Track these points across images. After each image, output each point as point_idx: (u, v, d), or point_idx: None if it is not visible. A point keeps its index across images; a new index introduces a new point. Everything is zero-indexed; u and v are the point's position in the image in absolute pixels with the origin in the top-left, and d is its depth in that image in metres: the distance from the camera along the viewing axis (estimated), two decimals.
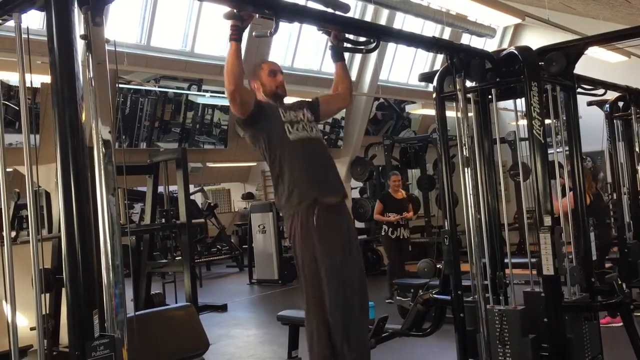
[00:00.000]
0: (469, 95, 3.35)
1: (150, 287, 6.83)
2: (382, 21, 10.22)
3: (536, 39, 11.01)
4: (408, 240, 8.04)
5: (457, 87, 3.21)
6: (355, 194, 11.25)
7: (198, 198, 14.33)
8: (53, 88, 1.84)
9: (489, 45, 11.73)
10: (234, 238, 13.96)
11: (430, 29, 10.82)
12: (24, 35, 2.03)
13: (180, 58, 8.73)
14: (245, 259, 11.17)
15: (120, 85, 8.03)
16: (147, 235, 6.82)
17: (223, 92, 3.07)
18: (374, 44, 2.96)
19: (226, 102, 10.14)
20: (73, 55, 1.84)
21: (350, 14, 3.27)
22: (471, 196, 3.25)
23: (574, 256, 3.42)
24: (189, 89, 9.16)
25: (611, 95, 5.09)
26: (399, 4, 7.07)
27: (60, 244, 1.93)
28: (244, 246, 12.44)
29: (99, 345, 1.78)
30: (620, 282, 3.48)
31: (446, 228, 3.47)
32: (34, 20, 5.13)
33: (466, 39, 11.05)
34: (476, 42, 10.88)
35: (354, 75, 10.76)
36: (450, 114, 3.42)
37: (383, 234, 7.72)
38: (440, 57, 11.09)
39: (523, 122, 3.24)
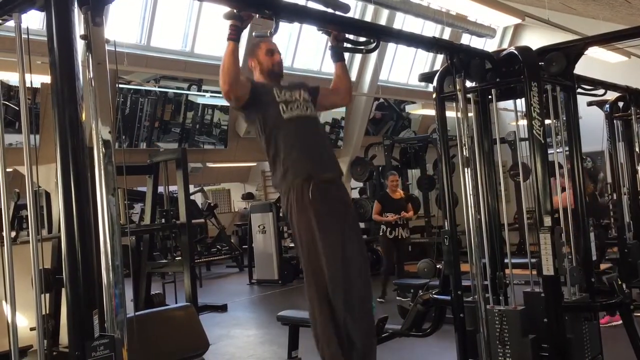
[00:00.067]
0: (469, 96, 3.35)
1: (150, 287, 6.83)
2: (382, 21, 10.22)
3: (536, 39, 11.01)
4: (407, 240, 8.04)
5: (457, 87, 3.21)
6: (355, 194, 11.25)
7: (198, 198, 14.33)
8: (53, 88, 1.84)
9: (489, 45, 11.74)
10: (234, 238, 13.96)
11: (430, 29, 10.82)
12: (24, 36, 2.03)
13: (180, 58, 8.73)
14: (245, 259, 11.18)
15: (120, 86, 8.03)
16: (147, 236, 6.82)
17: (226, 96, 3.07)
18: (374, 44, 2.96)
19: (226, 102, 10.15)
20: (73, 56, 1.84)
21: (350, 14, 3.27)
22: (471, 196, 3.25)
23: (573, 256, 3.42)
24: (188, 89, 9.16)
25: (611, 95, 5.09)
26: (399, 4, 7.07)
27: (60, 244, 1.93)
28: (244, 246, 12.44)
29: (98, 346, 1.78)
30: (620, 282, 3.48)
31: (446, 228, 3.46)
32: (34, 20, 5.12)
33: (466, 39, 11.05)
34: (476, 43, 10.88)
35: (354, 76, 10.76)
36: (450, 114, 3.42)
37: (381, 234, 7.73)
38: (440, 58, 11.08)
39: (523, 122, 3.24)
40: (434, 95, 3.52)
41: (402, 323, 3.83)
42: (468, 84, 3.32)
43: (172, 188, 7.39)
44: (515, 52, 3.25)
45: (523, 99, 3.19)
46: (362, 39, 3.07)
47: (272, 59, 3.20)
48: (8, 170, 2.18)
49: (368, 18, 10.07)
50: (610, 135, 5.35)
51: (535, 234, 3.15)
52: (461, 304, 3.34)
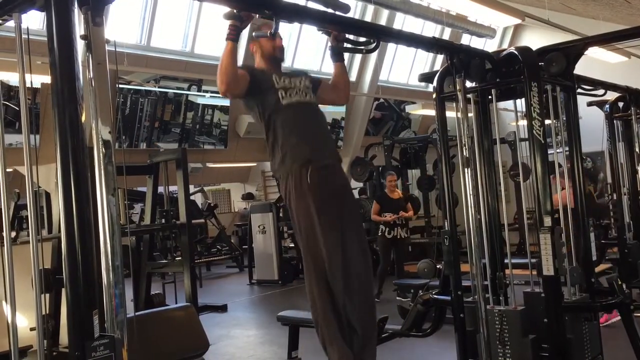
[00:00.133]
0: (469, 96, 3.35)
1: (150, 288, 6.83)
2: (382, 21, 10.23)
3: (536, 39, 11.01)
4: (406, 240, 8.04)
5: (457, 88, 3.21)
6: (355, 194, 11.24)
7: (198, 198, 14.33)
8: (53, 88, 1.84)
9: (489, 45, 11.74)
10: (234, 238, 13.96)
11: (430, 30, 10.83)
12: (24, 36, 2.03)
13: (180, 58, 8.74)
14: (245, 259, 11.17)
15: (121, 86, 8.03)
16: (147, 236, 6.82)
17: (224, 95, 3.06)
18: (374, 44, 2.96)
19: (226, 103, 10.21)
20: (73, 56, 1.84)
21: (350, 14, 3.27)
22: (471, 196, 3.25)
23: (574, 256, 3.42)
24: (189, 89, 9.17)
25: (611, 95, 5.09)
26: (399, 4, 7.08)
27: (60, 245, 1.92)
28: (244, 246, 12.44)
29: (98, 346, 1.78)
30: (620, 283, 3.48)
31: (446, 228, 3.46)
32: (34, 20, 5.13)
33: (466, 40, 11.06)
34: (476, 43, 10.89)
35: (354, 76, 10.77)
36: (450, 114, 3.42)
37: (380, 234, 7.74)
38: (440, 58, 11.09)
39: (523, 123, 3.24)
40: (434, 96, 3.52)
41: (402, 323, 3.83)
42: (468, 84, 3.32)
43: (172, 188, 7.39)
44: (515, 52, 3.26)
45: (523, 99, 3.19)
46: (362, 39, 3.07)
47: (274, 43, 3.17)
48: (8, 170, 2.18)
49: (368, 18, 10.07)
50: (610, 135, 5.35)
51: (535, 234, 3.15)
52: (461, 304, 3.34)
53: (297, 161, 2.96)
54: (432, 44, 3.20)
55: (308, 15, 2.75)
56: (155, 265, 7.06)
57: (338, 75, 3.30)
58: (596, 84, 4.40)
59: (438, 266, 4.29)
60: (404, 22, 10.50)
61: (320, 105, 3.30)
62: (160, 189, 7.11)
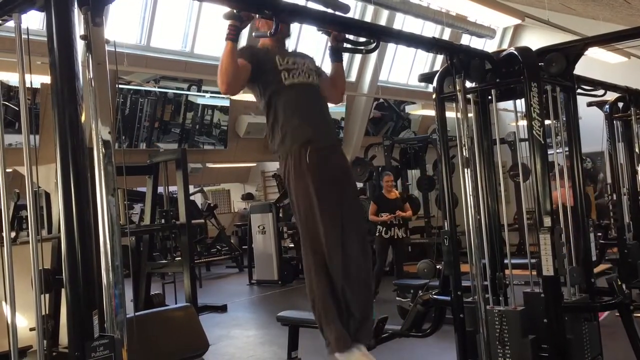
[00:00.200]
0: (469, 96, 3.35)
1: (150, 288, 6.83)
2: (382, 22, 10.23)
3: (536, 39, 11.02)
4: (404, 241, 8.04)
5: (457, 88, 3.21)
6: None
7: (198, 199, 14.32)
8: (53, 88, 1.84)
9: (489, 45, 11.74)
10: (233, 239, 13.96)
11: (430, 30, 10.83)
12: (24, 36, 2.03)
13: (180, 59, 8.74)
14: (245, 259, 11.17)
15: (120, 86, 8.04)
16: (147, 236, 6.82)
17: (225, 94, 3.04)
18: (374, 45, 2.96)
19: (226, 103, 10.20)
20: (73, 56, 1.84)
21: (350, 15, 3.26)
22: (471, 197, 3.25)
23: (573, 257, 3.42)
24: (188, 89, 9.17)
25: (611, 96, 5.09)
26: (398, 4, 7.08)
27: (60, 245, 1.93)
28: (243, 247, 12.44)
29: (98, 346, 1.78)
30: (620, 283, 3.48)
31: (446, 229, 3.46)
32: (34, 20, 5.13)
33: (466, 40, 11.06)
34: (476, 43, 10.89)
35: (354, 76, 10.77)
36: (450, 114, 3.42)
37: (377, 234, 7.74)
38: (440, 58, 11.09)
39: (523, 123, 3.25)
40: (434, 96, 3.52)
41: (402, 323, 3.83)
42: (468, 84, 3.32)
43: (171, 188, 7.39)
44: (515, 52, 3.26)
45: (523, 100, 3.20)
46: (362, 39, 3.07)
47: None
48: (8, 170, 2.18)
49: (368, 18, 10.07)
50: (610, 135, 5.35)
51: (535, 235, 3.15)
52: (461, 305, 3.34)
53: (297, 141, 2.92)
54: (432, 44, 3.20)
55: (308, 16, 2.75)
56: (155, 266, 7.06)
57: (336, 74, 3.29)
58: (596, 84, 4.41)
59: (438, 266, 4.29)
60: (404, 23, 10.50)
61: None
62: (160, 189, 7.12)
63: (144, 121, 8.73)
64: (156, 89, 8.73)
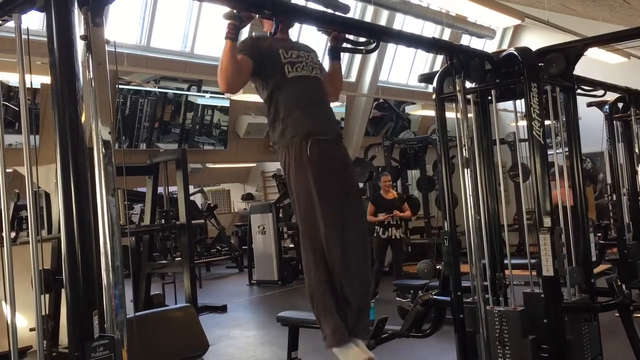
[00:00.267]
0: (469, 96, 3.35)
1: (150, 288, 6.83)
2: (382, 22, 10.23)
3: (536, 40, 11.02)
4: (401, 241, 8.03)
5: (457, 88, 3.21)
6: None
7: (198, 199, 14.32)
8: (53, 89, 1.84)
9: (489, 46, 11.75)
10: (233, 239, 13.96)
11: (430, 30, 10.83)
12: (24, 36, 2.03)
13: (180, 59, 8.74)
14: (245, 259, 11.17)
15: (120, 86, 8.04)
16: (147, 236, 6.82)
17: (223, 93, 3.04)
18: (374, 45, 2.95)
19: (226, 103, 10.20)
20: (73, 56, 1.84)
21: (350, 15, 3.26)
22: (471, 197, 3.25)
23: (573, 257, 3.42)
24: (188, 89, 9.17)
25: (611, 96, 5.10)
26: (398, 4, 7.08)
27: (60, 245, 1.93)
28: (243, 247, 12.44)
29: (98, 346, 1.78)
30: (619, 283, 3.48)
31: (446, 229, 3.46)
32: (34, 21, 5.13)
33: (466, 40, 11.06)
34: (476, 43, 10.89)
35: (353, 76, 10.78)
36: (450, 115, 3.42)
37: (375, 235, 7.74)
38: (440, 58, 11.10)
39: (523, 123, 3.25)
40: (434, 96, 3.52)
41: (401, 324, 3.83)
42: (468, 84, 3.32)
43: (171, 189, 7.39)
44: (515, 53, 3.26)
45: (523, 100, 3.20)
46: (362, 40, 3.07)
47: None
48: (8, 170, 2.18)
49: (368, 19, 10.07)
50: (609, 136, 5.36)
51: (534, 235, 3.15)
52: (461, 305, 3.34)
53: (298, 134, 2.91)
54: (431, 45, 3.20)
55: (308, 16, 2.75)
56: (155, 266, 7.06)
57: (334, 74, 3.28)
58: (596, 84, 4.41)
59: (438, 267, 4.29)
60: (404, 23, 10.51)
61: None
62: (160, 190, 7.12)
63: (144, 121, 8.74)
64: (156, 89, 8.73)
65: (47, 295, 4.36)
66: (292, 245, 10.31)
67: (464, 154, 3.26)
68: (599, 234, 6.91)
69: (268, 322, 6.80)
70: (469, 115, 3.35)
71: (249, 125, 9.90)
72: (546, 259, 3.06)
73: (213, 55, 8.78)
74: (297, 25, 8.63)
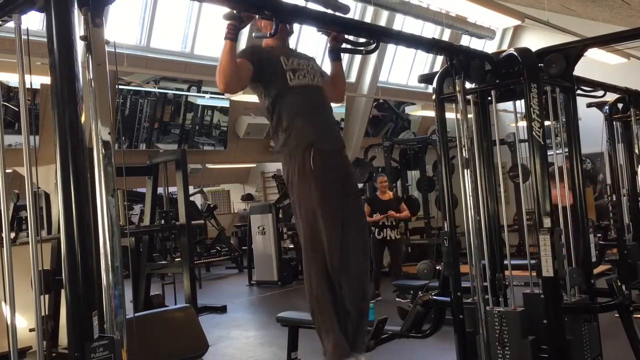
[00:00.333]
0: (469, 97, 3.35)
1: (150, 289, 6.82)
2: (382, 22, 10.23)
3: (535, 40, 11.02)
4: (398, 241, 8.03)
5: (457, 89, 3.21)
6: None
7: (197, 199, 14.32)
8: (53, 89, 1.84)
9: (489, 46, 11.75)
10: (233, 239, 13.95)
11: (429, 31, 10.83)
12: (24, 37, 2.03)
13: (180, 59, 8.74)
14: (245, 260, 11.17)
15: (120, 87, 8.04)
16: (147, 237, 6.82)
17: (223, 94, 3.04)
18: (374, 45, 2.95)
19: (226, 104, 10.18)
20: (73, 57, 1.84)
21: (349, 15, 3.26)
22: (471, 198, 3.25)
23: (573, 258, 3.42)
24: (188, 90, 9.17)
25: (611, 97, 5.10)
26: (398, 5, 7.09)
27: (59, 245, 1.93)
28: (243, 247, 12.43)
29: (98, 347, 1.78)
30: (619, 284, 3.48)
31: (446, 229, 3.46)
32: (34, 21, 5.13)
33: (466, 41, 11.06)
34: (476, 44, 10.90)
35: (353, 76, 10.77)
36: (449, 115, 3.42)
37: (371, 236, 7.74)
38: (439, 59, 11.10)
39: (523, 124, 3.25)
40: (434, 97, 3.52)
41: (401, 324, 3.83)
42: (468, 85, 3.32)
43: (171, 189, 7.39)
44: (515, 53, 3.26)
45: (523, 101, 3.20)
46: (361, 40, 3.07)
47: None
48: (7, 171, 2.18)
49: (368, 19, 10.07)
50: (609, 136, 5.36)
51: (534, 236, 3.15)
52: (461, 305, 3.34)
53: (300, 144, 2.91)
54: (431, 45, 3.21)
55: (308, 16, 2.75)
56: (154, 266, 7.06)
57: (336, 74, 3.28)
58: (596, 85, 4.41)
59: (437, 267, 4.29)
60: (404, 23, 10.51)
61: None
62: (160, 190, 7.12)
63: (143, 122, 8.74)
64: (156, 90, 8.73)
65: (46, 296, 4.36)
66: (292, 246, 10.30)
67: (464, 155, 3.26)
68: (599, 235, 6.91)
69: (268, 323, 6.80)
70: (469, 115, 3.35)
71: (248, 125, 9.90)
72: (546, 259, 3.06)
73: (213, 56, 8.78)
74: (297, 26, 8.65)
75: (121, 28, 8.21)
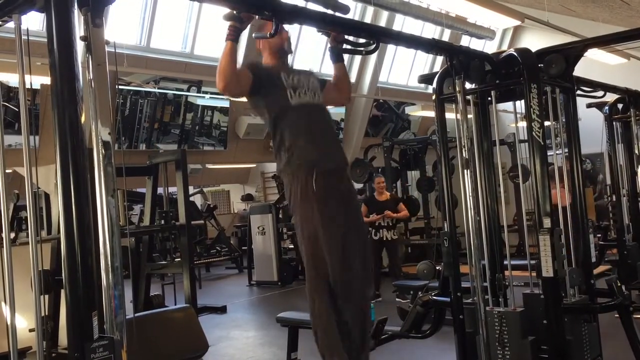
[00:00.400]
0: (469, 97, 3.35)
1: (150, 289, 6.82)
2: (382, 23, 10.22)
3: (535, 41, 11.02)
4: (395, 242, 8.02)
5: (457, 89, 3.21)
6: None
7: (197, 199, 14.32)
8: (53, 89, 1.84)
9: (489, 47, 11.74)
10: (233, 239, 13.95)
11: (429, 31, 10.83)
12: (24, 37, 2.03)
13: (180, 59, 8.74)
14: (245, 260, 11.17)
15: (120, 87, 8.04)
16: (147, 237, 6.82)
17: (222, 94, 3.04)
18: (374, 46, 2.95)
19: (226, 104, 10.19)
20: (73, 57, 1.84)
21: (349, 16, 3.27)
22: (471, 198, 3.25)
23: (573, 258, 3.42)
24: (188, 90, 9.17)
25: (610, 97, 5.10)
26: (398, 5, 7.09)
27: (59, 246, 1.93)
28: (243, 248, 12.43)
29: (98, 347, 1.78)
30: (619, 284, 3.48)
31: (446, 230, 3.46)
32: (34, 21, 5.13)
33: (466, 41, 11.06)
34: (476, 44, 10.90)
35: (353, 77, 10.76)
36: (449, 115, 3.42)
37: (368, 237, 7.74)
38: (439, 59, 11.10)
39: (522, 124, 3.25)
40: (434, 97, 3.52)
41: (401, 325, 3.83)
42: (467, 85, 3.32)
43: (171, 189, 7.39)
44: (515, 54, 3.26)
45: (522, 101, 3.20)
46: (361, 40, 3.07)
47: (281, 36, 3.09)
48: (7, 171, 2.18)
49: (368, 20, 10.07)
50: (609, 137, 5.36)
51: (534, 236, 3.15)
52: (461, 306, 3.34)
53: (303, 164, 2.93)
54: (431, 46, 3.21)
55: (308, 17, 2.75)
56: (154, 267, 7.06)
57: (340, 75, 3.29)
58: (595, 85, 4.41)
59: (437, 267, 4.30)
60: (404, 24, 10.51)
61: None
62: (160, 190, 7.12)
63: (143, 122, 8.74)
64: (156, 90, 8.73)
65: (46, 296, 4.36)
66: (292, 246, 10.30)
67: (464, 155, 3.26)
68: (599, 235, 6.92)
69: (268, 323, 6.80)
70: (469, 116, 3.35)
71: (248, 125, 9.90)
72: (546, 260, 3.06)
73: (213, 56, 8.78)
74: (296, 26, 8.65)
75: (121, 28, 8.21)
